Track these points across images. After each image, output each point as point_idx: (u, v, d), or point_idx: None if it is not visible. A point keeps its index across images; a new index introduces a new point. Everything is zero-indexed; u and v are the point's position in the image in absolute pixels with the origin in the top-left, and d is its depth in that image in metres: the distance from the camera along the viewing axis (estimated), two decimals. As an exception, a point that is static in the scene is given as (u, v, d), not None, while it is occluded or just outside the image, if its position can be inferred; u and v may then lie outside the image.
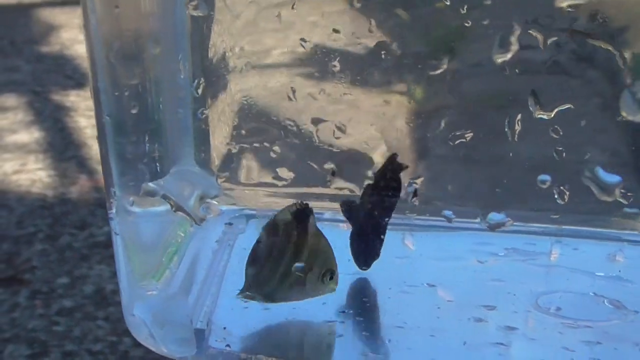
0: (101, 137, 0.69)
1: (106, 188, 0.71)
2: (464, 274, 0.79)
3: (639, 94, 0.72)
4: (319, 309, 0.74)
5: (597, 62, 0.78)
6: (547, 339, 0.72)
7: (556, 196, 0.82)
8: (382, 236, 0.77)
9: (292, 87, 0.82)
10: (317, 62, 0.81)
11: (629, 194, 0.81)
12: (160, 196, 0.69)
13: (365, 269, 0.78)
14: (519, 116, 0.82)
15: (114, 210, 0.69)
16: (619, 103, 0.73)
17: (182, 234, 0.79)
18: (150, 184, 0.69)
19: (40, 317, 1.14)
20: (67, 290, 1.20)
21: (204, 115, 0.85)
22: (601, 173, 0.76)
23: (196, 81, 0.84)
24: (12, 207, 1.45)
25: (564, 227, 0.87)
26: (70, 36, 2.42)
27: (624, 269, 0.82)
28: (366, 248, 0.77)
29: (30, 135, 1.75)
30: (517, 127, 0.83)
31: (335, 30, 0.78)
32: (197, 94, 0.84)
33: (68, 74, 2.08)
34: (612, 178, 0.76)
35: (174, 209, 0.70)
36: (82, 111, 1.86)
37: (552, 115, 0.81)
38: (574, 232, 0.87)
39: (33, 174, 1.58)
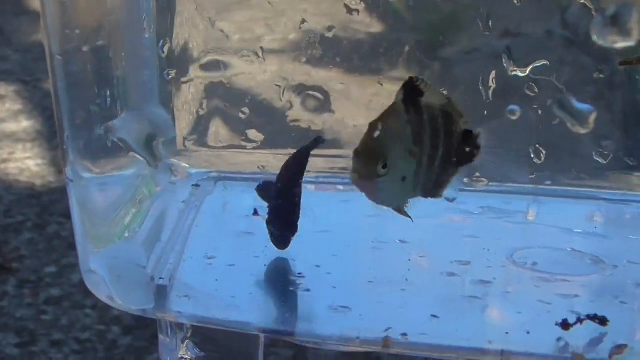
0: (57, 99, 0.64)
1: (62, 151, 0.66)
2: (436, 231, 0.75)
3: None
4: (287, 264, 0.69)
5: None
6: (523, 293, 0.68)
7: (532, 155, 0.77)
8: (297, 207, 0.71)
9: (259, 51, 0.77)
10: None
11: (605, 152, 0.77)
12: (115, 138, 0.63)
13: (283, 249, 0.71)
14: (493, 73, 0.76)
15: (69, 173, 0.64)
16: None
17: (147, 194, 0.74)
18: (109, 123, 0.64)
19: (28, 306, 1.11)
20: (55, 279, 1.17)
21: (170, 77, 0.80)
22: (574, 102, 0.71)
23: (161, 42, 0.78)
24: (0, 196, 1.41)
25: (540, 186, 0.82)
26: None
27: (602, 226, 0.78)
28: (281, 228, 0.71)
29: (18, 124, 1.71)
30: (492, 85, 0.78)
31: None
32: (163, 54, 0.79)
33: (57, 63, 2.00)
34: (584, 106, 0.71)
35: (128, 151, 0.65)
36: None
37: (527, 72, 0.76)
38: (551, 192, 0.82)
39: (21, 163, 1.54)
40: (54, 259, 1.21)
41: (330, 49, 0.79)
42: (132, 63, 0.76)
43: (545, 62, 0.76)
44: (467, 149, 0.64)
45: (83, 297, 1.12)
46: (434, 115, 0.61)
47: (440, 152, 0.62)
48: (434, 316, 0.62)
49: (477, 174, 0.79)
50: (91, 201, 0.65)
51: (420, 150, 0.60)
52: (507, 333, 0.62)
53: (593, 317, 0.64)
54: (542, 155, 0.79)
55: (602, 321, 0.64)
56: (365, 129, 0.59)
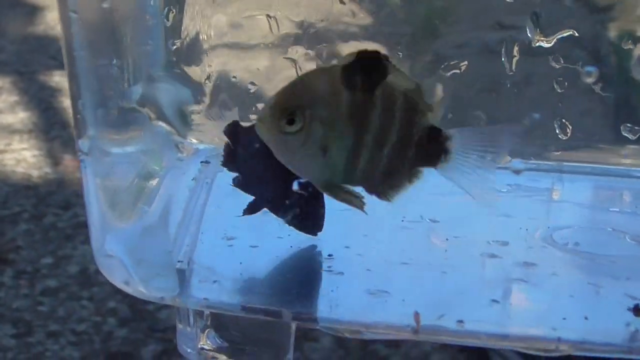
0: (70, 62, 0.56)
1: (75, 122, 0.59)
2: (467, 210, 0.68)
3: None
4: (315, 246, 0.62)
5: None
6: (570, 275, 0.62)
7: (557, 131, 0.72)
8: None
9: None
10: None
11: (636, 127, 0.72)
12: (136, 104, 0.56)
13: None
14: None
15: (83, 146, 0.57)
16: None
17: (158, 170, 0.67)
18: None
19: (24, 297, 1.14)
20: (52, 270, 1.19)
21: (174, 47, 0.73)
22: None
23: (166, 9, 0.71)
24: (-4, 186, 1.42)
25: (565, 163, 0.76)
26: (55, 17, 2.33)
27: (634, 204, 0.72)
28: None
29: (14, 116, 1.72)
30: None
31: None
32: (167, 22, 0.72)
33: (52, 54, 2.00)
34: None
35: (153, 119, 0.58)
36: (67, 91, 1.76)
37: (552, 43, 0.72)
38: (576, 169, 0.76)
39: (17, 154, 1.56)
40: (51, 250, 1.23)
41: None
42: (139, 31, 0.69)
43: (571, 32, 0.70)
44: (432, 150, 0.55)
45: (79, 288, 1.14)
46: (392, 98, 0.53)
47: (393, 142, 0.54)
48: (495, 301, 0.55)
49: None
50: (109, 176, 0.57)
51: (360, 130, 0.52)
52: (564, 319, 0.56)
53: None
54: (568, 130, 0.73)
55: (677, 307, 0.58)
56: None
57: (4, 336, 1.04)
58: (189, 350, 0.59)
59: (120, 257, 0.57)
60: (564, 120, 0.73)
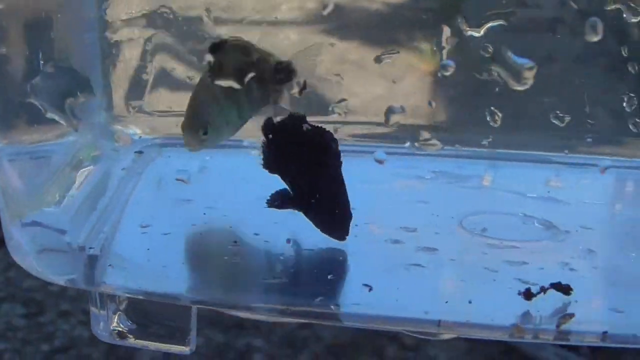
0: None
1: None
2: (385, 197, 0.70)
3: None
4: (224, 232, 0.64)
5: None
6: (469, 260, 0.64)
7: (488, 118, 0.73)
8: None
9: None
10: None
11: (565, 117, 0.74)
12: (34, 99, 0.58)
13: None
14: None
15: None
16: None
17: (84, 160, 0.70)
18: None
19: (35, 276, 1.10)
20: None
21: (113, 40, 0.75)
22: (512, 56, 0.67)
23: (104, 3, 0.73)
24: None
25: (497, 150, 0.77)
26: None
27: (557, 191, 0.73)
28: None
29: None
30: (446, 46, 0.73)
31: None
32: (106, 15, 0.74)
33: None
34: (522, 60, 0.67)
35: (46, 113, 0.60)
36: None
37: (482, 33, 0.73)
38: (507, 156, 0.77)
39: None
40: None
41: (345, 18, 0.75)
42: (69, 24, 0.71)
43: (501, 22, 0.71)
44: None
45: (91, 267, 1.14)
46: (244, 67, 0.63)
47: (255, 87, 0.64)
48: (366, 285, 0.57)
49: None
50: (6, 169, 0.60)
51: (237, 96, 0.63)
52: (446, 302, 0.57)
53: (557, 286, 0.60)
54: (497, 118, 0.74)
55: (566, 290, 0.60)
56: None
57: (15, 316, 1.05)
58: (100, 331, 0.61)
59: (23, 243, 0.59)
60: (492, 108, 0.74)
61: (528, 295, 0.59)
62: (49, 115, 0.61)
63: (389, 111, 0.73)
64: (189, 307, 0.60)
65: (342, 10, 0.75)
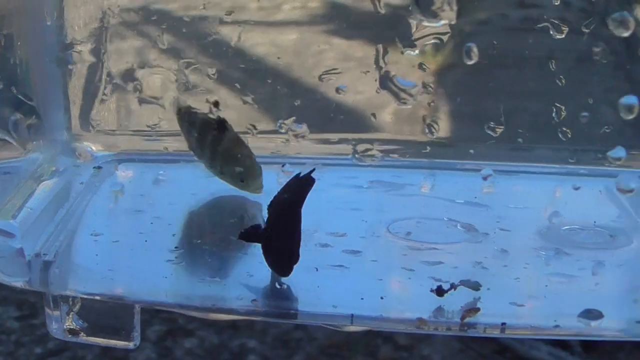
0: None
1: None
2: (319, 204, 0.76)
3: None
4: (168, 239, 0.71)
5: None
6: (389, 261, 0.70)
7: (426, 130, 0.79)
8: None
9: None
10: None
11: (498, 128, 0.80)
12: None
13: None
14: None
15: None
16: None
17: (44, 176, 0.77)
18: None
19: None
20: None
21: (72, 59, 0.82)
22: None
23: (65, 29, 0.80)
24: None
25: (436, 160, 0.84)
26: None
27: (484, 196, 0.79)
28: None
29: None
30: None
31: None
32: (67, 41, 0.81)
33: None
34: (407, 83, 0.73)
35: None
36: None
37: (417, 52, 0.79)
38: (445, 165, 0.83)
39: None
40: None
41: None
42: (30, 49, 0.77)
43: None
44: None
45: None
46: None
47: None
48: (281, 284, 0.64)
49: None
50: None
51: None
52: (362, 299, 0.63)
53: (467, 283, 0.66)
54: (434, 129, 0.80)
55: (475, 286, 0.65)
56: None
57: (8, 318, 1.03)
58: (54, 330, 0.68)
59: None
60: (432, 120, 0.80)
61: (440, 292, 0.64)
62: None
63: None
64: (132, 306, 0.66)
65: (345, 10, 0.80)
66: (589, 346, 1.04)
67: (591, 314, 0.60)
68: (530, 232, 0.75)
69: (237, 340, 1.00)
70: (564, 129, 0.80)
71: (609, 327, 0.60)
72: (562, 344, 1.06)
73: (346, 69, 0.81)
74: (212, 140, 0.77)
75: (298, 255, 0.65)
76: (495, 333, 0.62)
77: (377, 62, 0.81)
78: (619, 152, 0.71)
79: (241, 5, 0.81)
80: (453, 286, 0.65)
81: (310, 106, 0.82)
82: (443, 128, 0.83)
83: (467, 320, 0.62)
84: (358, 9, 0.81)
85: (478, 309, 0.62)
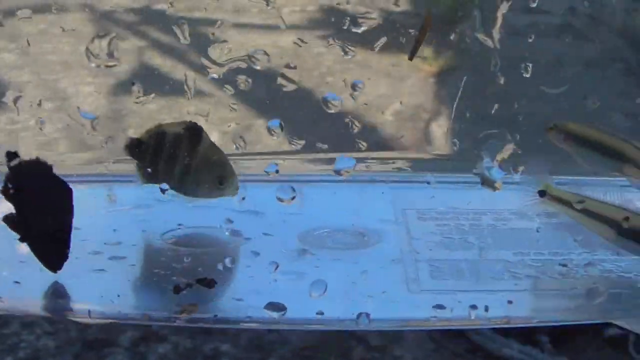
0: None
1: None
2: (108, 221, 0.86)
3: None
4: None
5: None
6: (147, 264, 0.81)
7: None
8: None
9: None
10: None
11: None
12: None
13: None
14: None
15: None
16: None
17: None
18: None
19: None
20: None
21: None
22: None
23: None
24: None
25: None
26: None
27: (258, 205, 0.88)
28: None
29: None
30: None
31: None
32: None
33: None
34: None
35: None
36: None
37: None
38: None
39: None
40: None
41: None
42: None
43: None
44: None
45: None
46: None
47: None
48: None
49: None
50: None
51: None
52: (118, 296, 0.74)
53: (202, 281, 0.76)
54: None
55: (209, 284, 0.75)
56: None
57: None
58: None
59: None
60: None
61: (176, 289, 0.75)
62: None
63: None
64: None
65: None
66: (559, 343, 1.09)
67: (275, 307, 0.70)
68: (290, 236, 0.84)
69: (211, 344, 1.02)
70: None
71: (291, 319, 0.71)
72: (533, 342, 1.12)
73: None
74: (186, 152, 0.79)
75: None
76: (209, 325, 0.72)
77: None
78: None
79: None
80: (189, 284, 0.75)
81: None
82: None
83: (185, 315, 0.72)
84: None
85: (195, 305, 0.72)
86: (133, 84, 0.85)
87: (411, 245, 0.83)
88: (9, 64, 0.93)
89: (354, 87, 0.86)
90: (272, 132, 0.85)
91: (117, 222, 0.88)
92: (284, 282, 0.76)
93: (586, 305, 0.74)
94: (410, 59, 0.80)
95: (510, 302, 0.73)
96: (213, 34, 0.86)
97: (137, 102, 0.86)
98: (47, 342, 1.02)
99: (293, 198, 0.81)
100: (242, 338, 1.02)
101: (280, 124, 0.84)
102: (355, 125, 0.89)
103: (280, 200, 0.81)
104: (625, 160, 0.78)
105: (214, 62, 0.85)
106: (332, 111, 0.84)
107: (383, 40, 0.85)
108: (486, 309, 0.72)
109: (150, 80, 0.89)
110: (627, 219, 0.75)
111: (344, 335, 1.03)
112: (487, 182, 0.77)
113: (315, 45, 0.88)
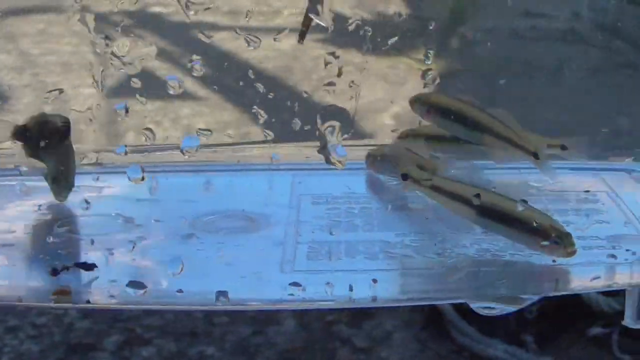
0: None
1: None
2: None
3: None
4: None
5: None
6: (33, 250, 0.84)
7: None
8: None
9: None
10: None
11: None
12: None
13: None
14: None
15: None
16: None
17: None
18: None
19: None
20: None
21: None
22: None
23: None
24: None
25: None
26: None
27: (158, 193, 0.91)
28: None
29: None
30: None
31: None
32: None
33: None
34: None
35: None
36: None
37: None
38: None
39: None
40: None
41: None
42: None
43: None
44: None
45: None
46: None
47: None
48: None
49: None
50: None
51: None
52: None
53: (81, 265, 0.79)
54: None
55: (89, 267, 0.79)
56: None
57: None
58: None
59: None
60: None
61: (54, 272, 0.78)
62: None
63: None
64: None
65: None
66: (544, 342, 1.12)
67: (137, 284, 0.73)
68: (179, 222, 0.87)
69: (196, 348, 1.04)
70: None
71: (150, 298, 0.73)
72: (518, 342, 1.16)
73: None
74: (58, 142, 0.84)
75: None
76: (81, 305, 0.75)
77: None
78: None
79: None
80: (66, 267, 0.78)
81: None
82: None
83: (57, 298, 0.75)
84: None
85: (68, 289, 0.75)
86: (127, 110, 0.88)
87: (297, 228, 0.84)
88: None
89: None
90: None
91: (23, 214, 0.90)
92: (156, 263, 0.78)
93: (445, 284, 0.75)
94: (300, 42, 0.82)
95: (375, 280, 0.74)
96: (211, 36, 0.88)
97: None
98: (30, 346, 1.03)
99: (142, 178, 0.82)
100: (228, 341, 1.03)
101: (125, 107, 0.85)
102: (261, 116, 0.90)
103: (129, 179, 0.83)
104: (483, 130, 0.79)
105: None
106: (172, 92, 0.85)
107: (393, 40, 0.86)
108: (350, 288, 0.73)
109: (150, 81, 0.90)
110: (477, 195, 0.76)
111: (329, 337, 1.04)
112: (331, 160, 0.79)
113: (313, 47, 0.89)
